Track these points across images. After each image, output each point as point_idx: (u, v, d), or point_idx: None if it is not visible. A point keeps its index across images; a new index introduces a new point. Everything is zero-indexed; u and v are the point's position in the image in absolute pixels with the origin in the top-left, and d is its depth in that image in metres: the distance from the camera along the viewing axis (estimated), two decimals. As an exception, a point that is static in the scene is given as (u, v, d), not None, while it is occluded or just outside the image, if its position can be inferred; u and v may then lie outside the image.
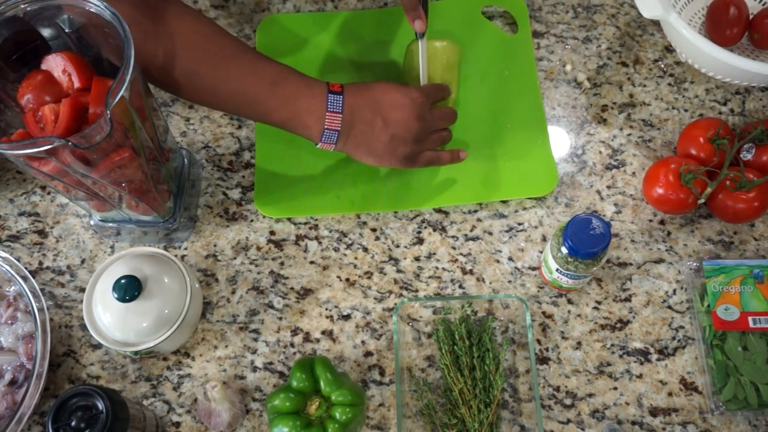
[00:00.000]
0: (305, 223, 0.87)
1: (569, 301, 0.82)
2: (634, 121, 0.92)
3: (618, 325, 0.81)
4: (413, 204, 0.86)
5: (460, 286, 0.83)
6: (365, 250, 0.85)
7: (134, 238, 0.85)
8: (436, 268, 0.84)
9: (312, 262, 0.85)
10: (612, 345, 0.80)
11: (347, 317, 0.82)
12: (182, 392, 0.79)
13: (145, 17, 0.68)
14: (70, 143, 0.58)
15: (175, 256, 0.81)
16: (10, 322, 0.78)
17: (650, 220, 0.86)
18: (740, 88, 0.93)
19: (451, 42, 0.86)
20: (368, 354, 0.80)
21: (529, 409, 0.76)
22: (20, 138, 0.64)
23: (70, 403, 0.65)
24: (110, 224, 0.82)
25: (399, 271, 0.84)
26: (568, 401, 0.78)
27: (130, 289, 0.71)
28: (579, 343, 0.80)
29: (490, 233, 0.86)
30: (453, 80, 0.87)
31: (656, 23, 0.98)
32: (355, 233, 0.86)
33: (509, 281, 0.83)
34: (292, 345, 0.81)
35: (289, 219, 0.87)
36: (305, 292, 0.83)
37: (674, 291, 0.83)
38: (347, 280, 0.84)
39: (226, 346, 0.81)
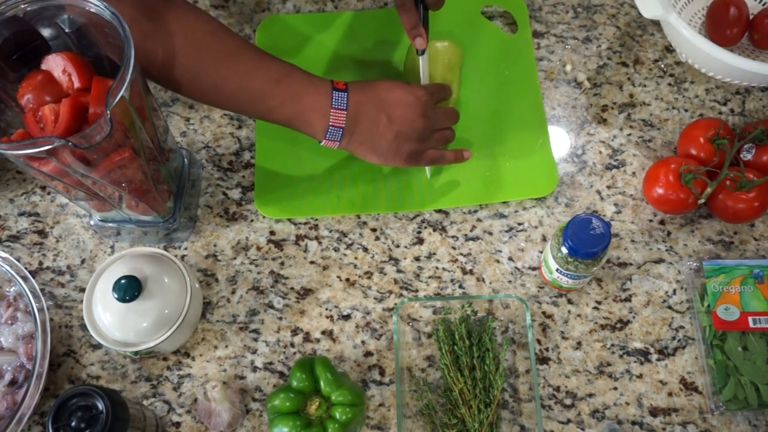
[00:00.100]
0: (305, 223, 0.87)
1: (569, 301, 0.82)
2: (634, 121, 0.92)
3: (618, 325, 0.81)
4: (414, 206, 0.86)
5: (460, 286, 0.83)
6: (365, 250, 0.85)
7: (134, 238, 0.85)
8: (436, 268, 0.84)
9: (312, 262, 0.85)
10: (612, 345, 0.80)
11: (347, 317, 0.82)
12: (182, 392, 0.79)
13: (144, 16, 0.68)
14: (70, 143, 0.58)
15: (175, 256, 0.81)
16: (10, 322, 0.78)
17: (650, 220, 0.86)
18: (740, 88, 0.93)
19: (453, 43, 0.86)
20: (368, 354, 0.80)
21: (529, 409, 0.76)
22: (20, 138, 0.64)
23: (70, 403, 0.65)
24: (110, 224, 0.82)
25: (399, 271, 0.84)
26: (568, 401, 0.78)
27: (130, 289, 0.71)
28: (579, 343, 0.80)
29: (490, 233, 0.86)
30: (454, 81, 0.87)
31: (656, 23, 0.98)
32: (355, 233, 0.86)
33: (509, 281, 0.83)
34: (292, 345, 0.81)
35: (289, 219, 0.87)
36: (305, 292, 0.83)
37: (674, 291, 0.83)
38: (347, 280, 0.84)
39: (226, 346, 0.81)
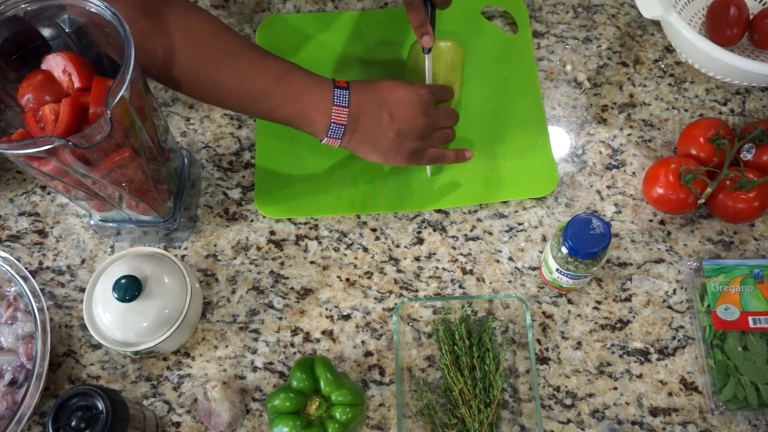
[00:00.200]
0: (305, 223, 0.87)
1: (569, 301, 0.82)
2: (634, 121, 0.92)
3: (618, 325, 0.81)
4: (414, 206, 0.86)
5: (460, 286, 0.83)
6: (365, 250, 0.85)
7: (134, 238, 0.85)
8: (436, 268, 0.84)
9: (312, 262, 0.85)
10: (612, 345, 0.80)
11: (347, 317, 0.82)
12: (182, 392, 0.79)
13: (143, 16, 0.68)
14: (70, 143, 0.58)
15: (175, 256, 0.81)
16: (10, 322, 0.78)
17: (650, 220, 0.86)
18: (740, 88, 0.93)
19: (456, 43, 0.86)
20: (368, 354, 0.80)
21: (529, 409, 0.76)
22: (20, 138, 0.64)
23: (70, 403, 0.65)
24: (110, 224, 0.82)
25: (399, 271, 0.84)
26: (568, 401, 0.78)
27: (130, 289, 0.71)
28: (579, 343, 0.80)
29: (490, 233, 0.86)
30: (456, 81, 0.87)
31: (656, 23, 0.98)
32: (355, 233, 0.86)
33: (509, 281, 0.83)
34: (292, 345, 0.81)
35: (289, 219, 0.87)
36: (305, 292, 0.83)
37: (674, 291, 0.83)
38: (347, 280, 0.84)
39: (226, 346, 0.81)
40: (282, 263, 0.85)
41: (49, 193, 0.89)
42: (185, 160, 0.86)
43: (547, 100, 0.93)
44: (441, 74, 0.86)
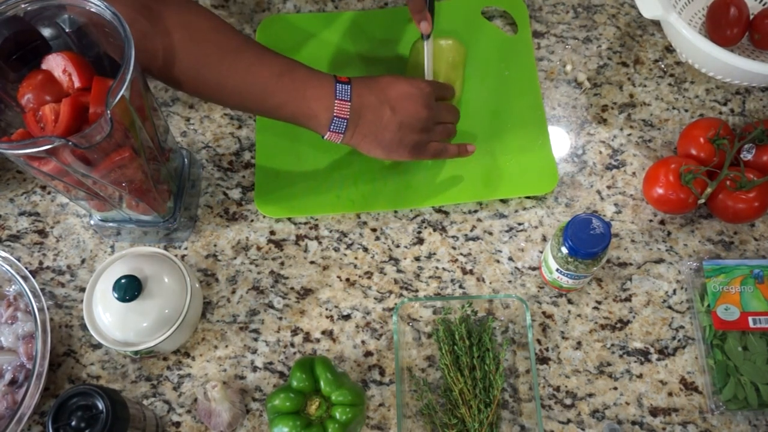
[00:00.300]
0: (305, 223, 0.87)
1: (569, 301, 0.82)
2: (634, 121, 0.92)
3: (618, 325, 0.81)
4: (414, 203, 0.86)
5: (460, 286, 0.83)
6: (365, 250, 0.85)
7: (134, 238, 0.85)
8: (436, 268, 0.84)
9: (312, 262, 0.85)
10: (612, 345, 0.80)
11: (347, 317, 0.82)
12: (182, 392, 0.79)
13: (142, 16, 0.68)
14: (70, 143, 0.58)
15: (175, 256, 0.81)
16: (10, 321, 0.78)
17: (650, 220, 0.86)
18: (740, 88, 0.93)
19: (457, 41, 0.86)
20: (368, 354, 0.80)
21: (529, 409, 0.76)
22: (20, 138, 0.64)
23: (70, 402, 0.65)
24: (110, 224, 0.82)
25: (399, 271, 0.84)
26: (568, 401, 0.78)
27: (130, 289, 0.71)
28: (579, 343, 0.80)
29: (491, 233, 0.86)
30: (457, 79, 0.87)
31: (656, 23, 0.98)
32: (355, 233, 0.86)
33: (509, 281, 0.83)
34: (292, 345, 0.81)
35: (289, 219, 0.87)
36: (305, 292, 0.83)
37: (674, 291, 0.83)
38: (347, 280, 0.84)
39: (226, 346, 0.81)
40: (282, 263, 0.85)
41: (49, 193, 0.89)
42: (185, 160, 0.86)
43: (547, 100, 0.93)
44: (442, 72, 0.86)
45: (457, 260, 0.84)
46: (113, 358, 0.80)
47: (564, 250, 0.73)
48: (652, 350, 0.80)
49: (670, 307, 0.82)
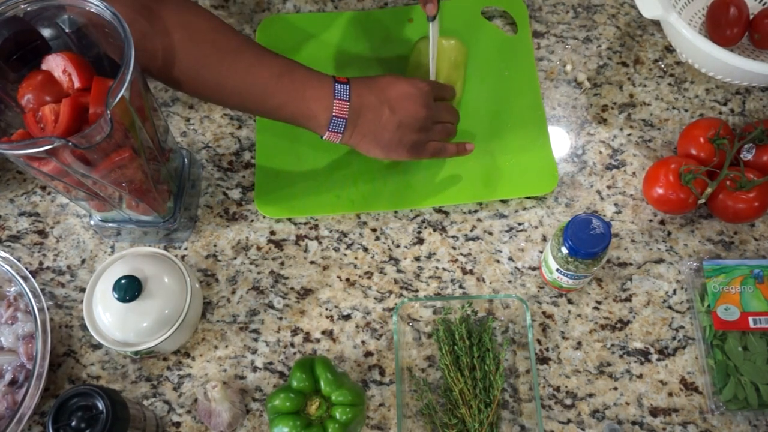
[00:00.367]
0: (305, 223, 0.87)
1: (569, 301, 0.82)
2: (634, 121, 0.92)
3: (618, 325, 0.81)
4: (414, 203, 0.86)
5: (460, 286, 0.83)
6: (365, 250, 0.85)
7: (134, 238, 0.85)
8: (436, 268, 0.84)
9: (312, 262, 0.85)
10: (612, 345, 0.80)
11: (347, 317, 0.82)
12: (182, 392, 0.79)
13: (141, 16, 0.68)
14: (70, 143, 0.58)
15: (175, 256, 0.81)
16: (10, 322, 0.78)
17: (650, 220, 0.86)
18: (740, 88, 0.93)
19: (459, 41, 0.86)
20: (368, 354, 0.80)
21: (529, 409, 0.76)
22: (20, 138, 0.64)
23: (71, 403, 0.65)
24: (110, 224, 0.82)
25: (399, 271, 0.84)
26: (568, 401, 0.78)
27: (130, 289, 0.71)
28: (579, 343, 0.80)
29: (491, 233, 0.86)
30: (459, 79, 0.87)
31: (656, 23, 0.98)
32: (355, 233, 0.86)
33: (509, 281, 0.83)
34: (292, 345, 0.81)
35: (289, 219, 0.87)
36: (305, 292, 0.83)
37: (674, 291, 0.83)
38: (347, 280, 0.84)
39: (226, 346, 0.81)
40: (282, 263, 0.85)
41: (49, 193, 0.89)
42: (185, 160, 0.86)
43: (547, 100, 0.93)
44: (444, 71, 0.86)
45: (457, 260, 0.84)
46: (113, 359, 0.80)
47: (564, 250, 0.73)
48: (652, 350, 0.80)
49: (670, 307, 0.82)
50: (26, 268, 0.78)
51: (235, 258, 0.85)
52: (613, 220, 0.86)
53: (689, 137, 0.86)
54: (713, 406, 0.76)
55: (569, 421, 0.77)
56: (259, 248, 0.86)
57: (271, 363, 0.80)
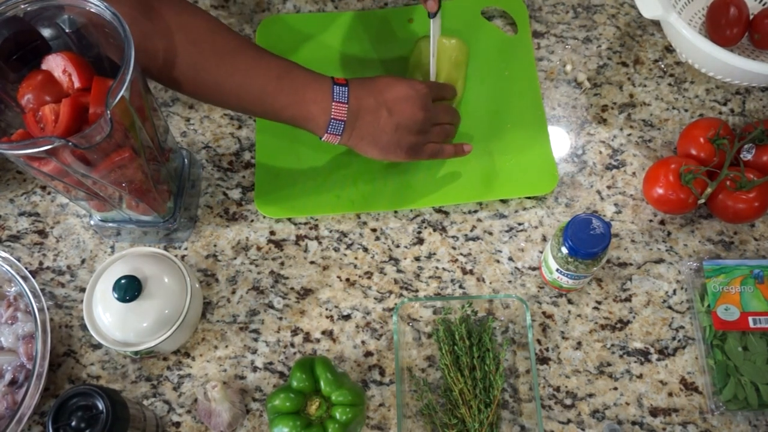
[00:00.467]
0: (305, 223, 0.87)
1: (569, 301, 0.82)
2: (634, 121, 0.92)
3: (618, 325, 0.81)
4: (414, 203, 0.86)
5: (460, 286, 0.83)
6: (365, 250, 0.85)
7: (134, 238, 0.85)
8: (436, 268, 0.84)
9: (312, 262, 0.85)
10: (612, 345, 0.80)
11: (347, 317, 0.82)
12: (182, 392, 0.79)
13: (143, 16, 0.68)
14: (70, 143, 0.58)
15: (175, 256, 0.81)
16: (10, 322, 0.78)
17: (650, 220, 0.86)
18: (740, 88, 0.93)
19: (460, 40, 0.86)
20: (368, 354, 0.80)
21: (529, 409, 0.76)
22: (20, 138, 0.64)
23: (71, 403, 0.65)
24: (110, 224, 0.82)
25: (399, 271, 0.84)
26: (568, 401, 0.78)
27: (130, 289, 0.71)
28: (579, 343, 0.80)
29: (491, 233, 0.86)
30: (460, 78, 0.87)
31: (656, 23, 0.98)
32: (355, 233, 0.86)
33: (509, 281, 0.83)
34: (292, 345, 0.81)
35: (289, 219, 0.87)
36: (305, 292, 0.83)
37: (674, 291, 0.83)
38: (347, 280, 0.84)
39: (226, 346, 0.81)
40: (282, 263, 0.85)
41: (49, 193, 0.89)
42: (185, 160, 0.86)
43: (547, 100, 0.93)
44: (444, 71, 0.86)
45: (457, 260, 0.84)
46: (113, 359, 0.80)
47: (564, 250, 0.73)
48: (652, 350, 0.80)
49: (670, 308, 0.82)
50: (26, 268, 0.78)
51: (235, 258, 0.85)
52: (613, 220, 0.86)
53: (689, 137, 0.86)
54: (713, 406, 0.76)
55: (569, 421, 0.77)
56: (259, 248, 0.86)
57: (271, 363, 0.80)
